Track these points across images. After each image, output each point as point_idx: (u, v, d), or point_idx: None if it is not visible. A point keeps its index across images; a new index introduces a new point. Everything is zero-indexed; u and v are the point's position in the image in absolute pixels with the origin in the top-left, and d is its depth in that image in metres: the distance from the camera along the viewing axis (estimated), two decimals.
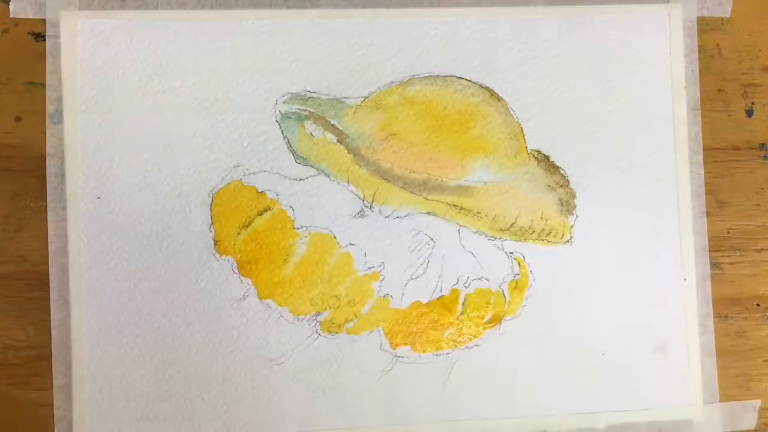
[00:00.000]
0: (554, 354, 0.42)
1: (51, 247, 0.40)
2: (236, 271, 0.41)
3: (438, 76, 0.42)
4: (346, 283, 0.41)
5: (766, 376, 0.44)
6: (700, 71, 0.44)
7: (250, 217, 0.41)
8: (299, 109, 0.42)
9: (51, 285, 0.40)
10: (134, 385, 0.41)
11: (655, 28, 0.43)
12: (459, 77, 0.42)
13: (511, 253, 0.42)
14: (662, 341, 0.43)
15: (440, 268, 0.42)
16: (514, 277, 0.42)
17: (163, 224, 0.41)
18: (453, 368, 0.42)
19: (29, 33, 0.41)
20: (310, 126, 0.42)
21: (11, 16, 0.41)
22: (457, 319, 0.42)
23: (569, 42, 0.43)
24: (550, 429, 0.42)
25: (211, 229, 0.41)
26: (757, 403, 0.44)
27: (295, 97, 0.42)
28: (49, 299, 0.40)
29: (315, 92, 0.42)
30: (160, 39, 0.41)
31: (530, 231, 0.42)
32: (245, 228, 0.41)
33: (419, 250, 0.42)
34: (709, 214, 0.44)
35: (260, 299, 0.41)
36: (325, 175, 0.42)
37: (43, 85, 0.41)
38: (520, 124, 0.43)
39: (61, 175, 0.41)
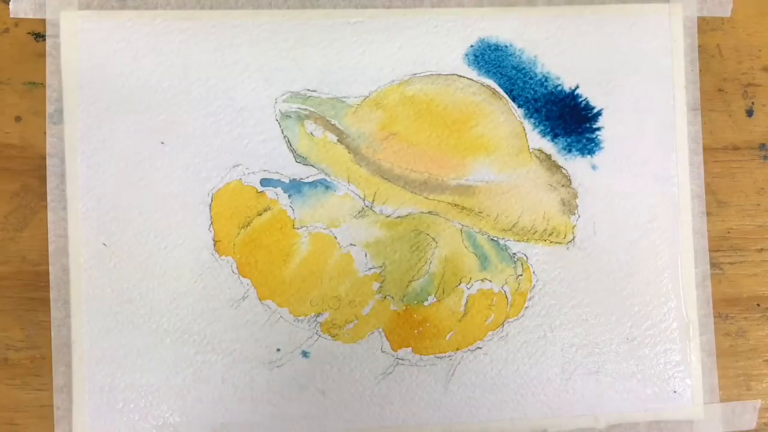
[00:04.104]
0: (556, 354, 0.41)
1: (51, 247, 0.39)
2: (236, 271, 0.40)
3: (439, 74, 0.41)
4: (347, 283, 0.40)
5: (766, 376, 0.43)
6: (700, 71, 0.42)
7: (249, 217, 0.40)
8: (299, 108, 0.40)
9: (51, 285, 0.39)
10: (134, 385, 0.39)
11: (655, 28, 0.42)
12: (460, 76, 0.41)
13: (514, 253, 0.41)
14: (662, 341, 0.41)
15: (442, 269, 0.40)
16: (517, 278, 0.41)
17: (163, 224, 0.39)
18: (455, 370, 0.40)
19: (29, 33, 0.40)
20: (310, 125, 0.40)
21: (11, 16, 0.40)
22: (460, 320, 0.41)
23: (569, 42, 0.41)
24: (551, 429, 0.41)
25: (211, 229, 0.40)
26: (757, 403, 0.42)
27: (295, 96, 0.40)
28: (49, 299, 0.39)
29: (315, 91, 0.40)
30: (160, 39, 0.40)
31: (533, 231, 0.41)
32: (245, 228, 0.40)
33: (421, 251, 0.40)
34: (709, 214, 0.42)
35: (260, 300, 0.40)
36: (325, 174, 0.40)
37: (43, 85, 0.40)
38: (521, 123, 0.41)
39: (61, 175, 0.39)
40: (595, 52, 0.42)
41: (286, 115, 0.40)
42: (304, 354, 0.40)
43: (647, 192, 0.42)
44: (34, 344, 0.40)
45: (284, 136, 0.40)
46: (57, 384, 0.39)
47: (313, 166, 0.40)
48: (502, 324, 0.41)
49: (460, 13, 0.41)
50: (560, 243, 0.41)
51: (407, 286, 0.40)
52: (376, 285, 0.40)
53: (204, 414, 0.39)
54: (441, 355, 0.40)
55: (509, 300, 0.41)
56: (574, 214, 0.41)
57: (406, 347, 0.40)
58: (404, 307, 0.40)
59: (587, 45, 0.42)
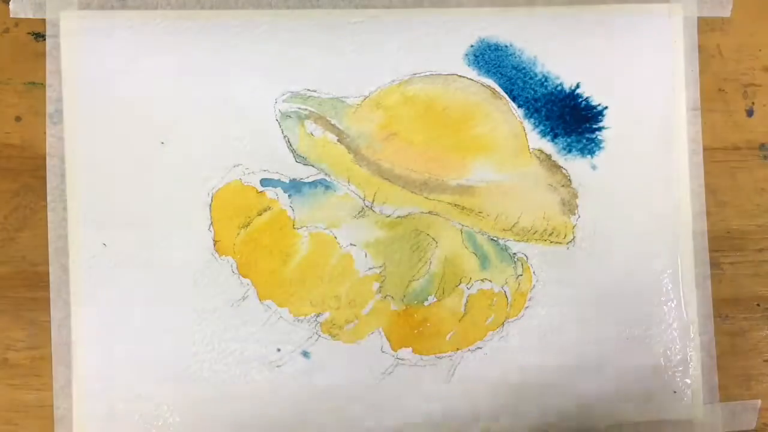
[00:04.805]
0: (556, 354, 0.41)
1: (51, 247, 0.39)
2: (236, 271, 0.39)
3: (439, 74, 0.41)
4: (347, 283, 0.40)
5: (766, 376, 0.43)
6: (700, 71, 0.42)
7: (249, 217, 0.39)
8: (299, 108, 0.40)
9: (51, 285, 0.39)
10: (134, 385, 0.39)
11: (655, 28, 0.42)
12: (460, 76, 0.41)
13: (514, 253, 0.41)
14: (662, 341, 0.41)
15: (442, 269, 0.40)
16: (517, 278, 0.41)
17: (163, 224, 0.39)
18: (455, 370, 0.40)
19: (29, 33, 0.40)
20: (310, 125, 0.40)
21: (11, 16, 0.39)
22: (460, 320, 0.40)
23: (569, 42, 0.41)
24: (551, 429, 0.41)
25: (211, 229, 0.39)
26: (757, 403, 0.42)
27: (295, 96, 0.40)
28: (49, 299, 0.39)
29: (315, 91, 0.40)
30: (160, 39, 0.39)
31: (533, 231, 0.41)
32: (245, 228, 0.39)
33: (421, 251, 0.40)
34: (709, 214, 0.42)
35: (260, 300, 0.39)
36: (325, 174, 0.40)
37: (43, 85, 0.39)
38: (521, 123, 0.41)
39: (61, 175, 0.39)
40: (595, 52, 0.41)
41: (286, 115, 0.40)
42: (304, 354, 0.40)
43: (647, 192, 0.41)
44: (34, 344, 0.39)
45: (284, 136, 0.40)
46: (57, 384, 0.39)
47: (313, 166, 0.40)
48: (502, 324, 0.41)
49: (460, 13, 0.41)
50: (560, 243, 0.41)
51: (407, 286, 0.40)
52: (376, 285, 0.40)
53: (204, 414, 0.39)
54: (441, 355, 0.40)
55: (509, 300, 0.41)
56: (574, 214, 0.41)
57: (406, 347, 0.40)
58: (404, 307, 0.40)
59: (587, 45, 0.41)
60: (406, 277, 0.40)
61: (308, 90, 0.40)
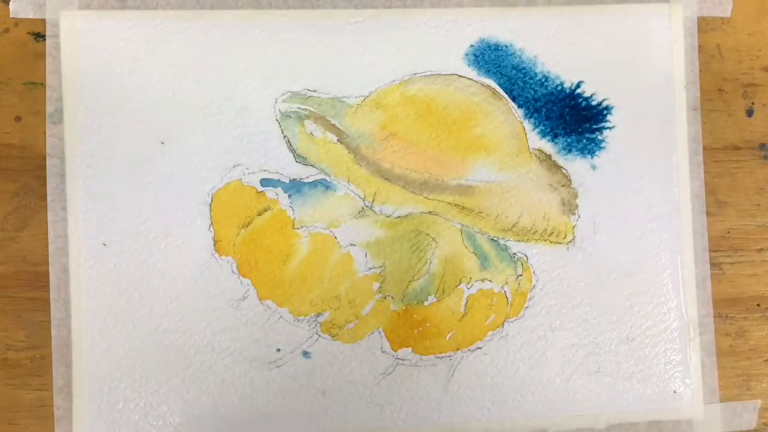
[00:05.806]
0: (556, 354, 0.41)
1: (51, 247, 0.39)
2: (236, 271, 0.39)
3: (439, 74, 0.41)
4: (347, 283, 0.40)
5: (766, 376, 0.43)
6: (700, 71, 0.42)
7: (249, 217, 0.39)
8: (299, 108, 0.40)
9: (51, 285, 0.39)
10: (134, 385, 0.39)
11: (655, 28, 0.42)
12: (460, 76, 0.41)
13: (514, 253, 0.41)
14: (662, 341, 0.41)
15: (442, 269, 0.40)
16: (517, 278, 0.41)
17: (163, 224, 0.39)
18: (455, 370, 0.40)
19: (29, 33, 0.40)
20: (310, 125, 0.40)
21: (11, 16, 0.39)
22: (460, 320, 0.40)
23: (569, 42, 0.41)
24: (551, 429, 0.41)
25: (211, 229, 0.39)
26: (757, 403, 0.42)
27: (295, 96, 0.40)
28: (49, 299, 0.39)
29: (315, 91, 0.40)
30: (160, 39, 0.39)
31: (533, 231, 0.41)
32: (245, 228, 0.39)
33: (421, 251, 0.40)
34: (709, 214, 0.42)
35: (260, 300, 0.39)
36: (326, 174, 0.40)
37: (43, 85, 0.39)
38: (521, 123, 0.41)
39: (61, 175, 0.39)
40: (595, 52, 0.41)
41: (286, 115, 0.40)
42: (304, 354, 0.40)
43: (647, 192, 0.41)
44: (34, 344, 0.39)
45: (284, 136, 0.40)
46: (57, 384, 0.39)
47: (313, 166, 0.40)
48: (502, 324, 0.41)
49: (460, 13, 0.41)
50: (560, 243, 0.41)
51: (407, 286, 0.40)
52: (376, 285, 0.40)
53: (204, 414, 0.39)
54: (441, 355, 0.40)
55: (509, 300, 0.41)
56: (574, 214, 0.41)
57: (406, 347, 0.40)
58: (404, 307, 0.40)
59: (587, 45, 0.41)
60: (406, 277, 0.40)
61: (308, 90, 0.40)
